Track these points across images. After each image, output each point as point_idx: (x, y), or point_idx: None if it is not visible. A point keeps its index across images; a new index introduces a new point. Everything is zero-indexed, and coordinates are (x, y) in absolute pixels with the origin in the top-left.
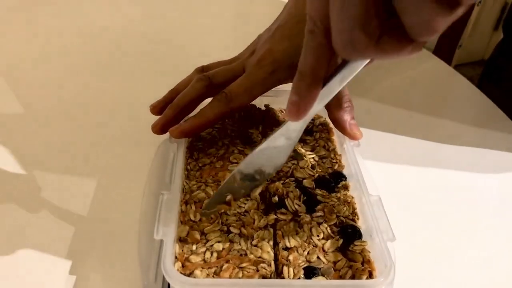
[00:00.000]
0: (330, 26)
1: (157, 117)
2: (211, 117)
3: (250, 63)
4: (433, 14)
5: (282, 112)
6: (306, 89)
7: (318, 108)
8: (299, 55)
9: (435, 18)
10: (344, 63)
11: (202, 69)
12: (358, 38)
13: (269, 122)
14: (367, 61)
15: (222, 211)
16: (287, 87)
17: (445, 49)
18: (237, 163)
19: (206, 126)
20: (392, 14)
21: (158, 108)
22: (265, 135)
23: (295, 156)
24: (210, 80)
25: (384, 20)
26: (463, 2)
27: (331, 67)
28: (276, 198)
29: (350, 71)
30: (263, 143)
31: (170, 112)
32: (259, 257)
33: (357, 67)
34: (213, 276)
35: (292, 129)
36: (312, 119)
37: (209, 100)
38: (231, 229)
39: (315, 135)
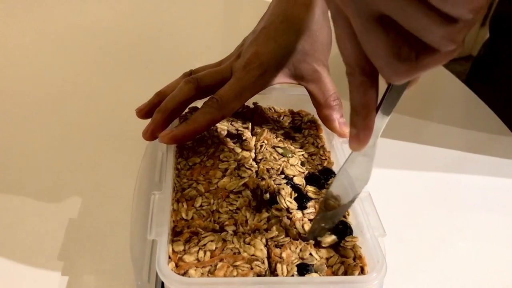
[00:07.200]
0: (364, 65)
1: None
2: (203, 124)
3: (237, 66)
4: (442, 31)
5: (271, 109)
6: (362, 121)
7: (382, 125)
8: (285, 55)
9: (446, 34)
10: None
11: (190, 73)
12: (398, 67)
13: (258, 119)
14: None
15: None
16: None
17: None
18: (227, 161)
19: (197, 132)
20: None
21: (144, 112)
22: (254, 132)
23: (285, 153)
24: (198, 82)
25: (414, 42)
26: (461, 17)
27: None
28: (267, 195)
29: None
30: (343, 165)
31: (158, 117)
32: (253, 255)
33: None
34: (207, 275)
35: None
36: (301, 116)
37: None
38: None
39: (304, 132)
